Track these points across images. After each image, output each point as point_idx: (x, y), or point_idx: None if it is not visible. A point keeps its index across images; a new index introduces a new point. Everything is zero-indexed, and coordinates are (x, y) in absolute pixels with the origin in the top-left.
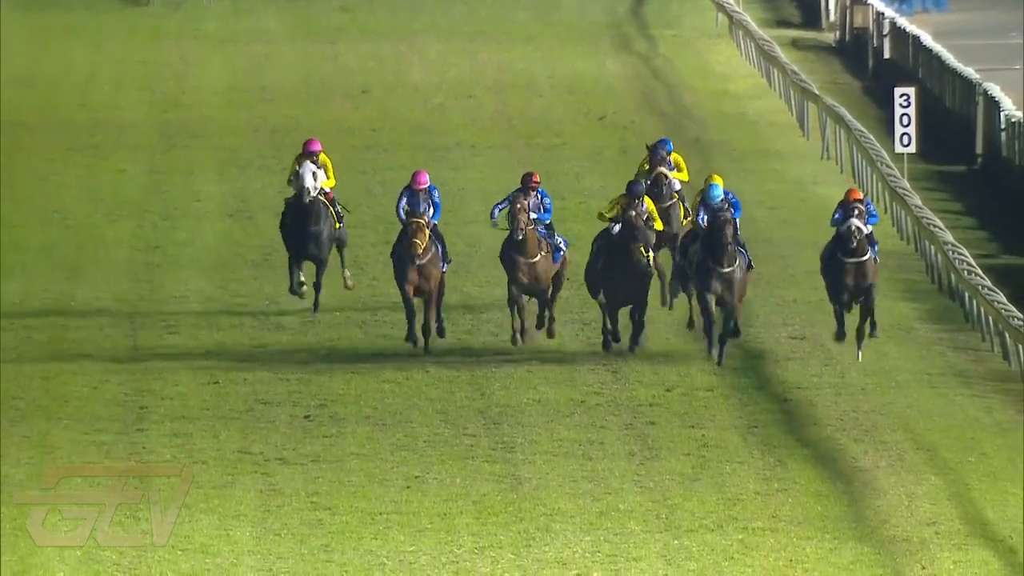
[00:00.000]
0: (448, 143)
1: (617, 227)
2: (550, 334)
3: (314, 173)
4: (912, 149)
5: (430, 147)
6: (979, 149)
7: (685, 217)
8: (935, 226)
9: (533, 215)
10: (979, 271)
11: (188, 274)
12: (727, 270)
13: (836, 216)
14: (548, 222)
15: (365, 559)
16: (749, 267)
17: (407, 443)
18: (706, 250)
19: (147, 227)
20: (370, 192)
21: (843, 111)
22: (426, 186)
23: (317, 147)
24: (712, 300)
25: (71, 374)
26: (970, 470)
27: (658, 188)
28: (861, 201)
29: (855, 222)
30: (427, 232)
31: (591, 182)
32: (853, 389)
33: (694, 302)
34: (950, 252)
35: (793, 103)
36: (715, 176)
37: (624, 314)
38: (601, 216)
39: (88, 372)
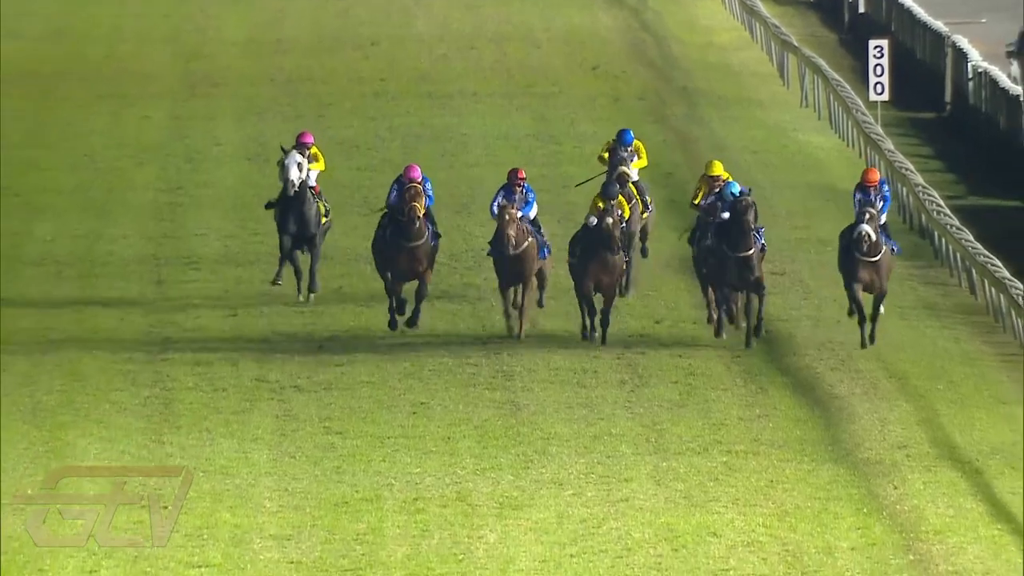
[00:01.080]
0: (451, 91)
1: (594, 220)
2: (540, 305)
3: (299, 164)
4: (885, 97)
5: (435, 95)
6: (948, 97)
7: (644, 211)
8: (906, 169)
9: (518, 213)
10: (947, 211)
11: (209, 214)
12: (745, 254)
13: (856, 199)
14: (534, 218)
15: (374, 480)
16: (762, 250)
17: (413, 371)
18: (724, 236)
19: (171, 170)
20: (379, 136)
21: (820, 62)
22: (419, 180)
23: (309, 139)
24: (735, 285)
25: (100, 307)
26: (939, 397)
27: (619, 187)
28: (876, 186)
29: (865, 228)
30: (424, 199)
31: (585, 128)
32: (829, 322)
33: (711, 295)
34: (920, 193)
35: (774, 54)
36: (716, 163)
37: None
38: (600, 157)
39: (116, 305)
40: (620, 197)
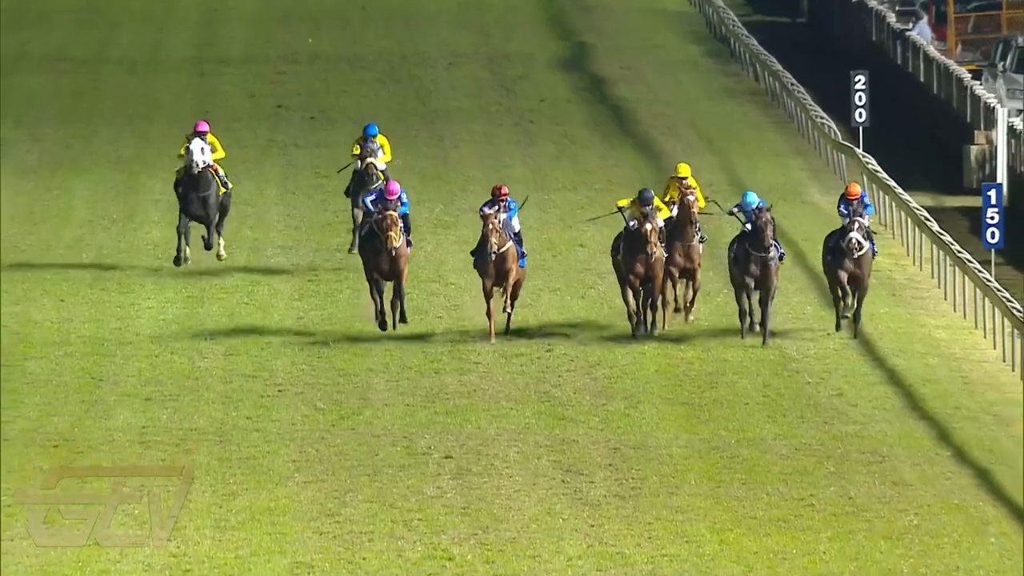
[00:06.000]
0: None
1: (634, 223)
2: (509, 312)
3: (202, 148)
4: None
5: None
6: None
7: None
8: None
9: (502, 218)
10: (739, 24)
11: (237, 26)
12: (763, 255)
13: (841, 208)
14: (518, 231)
15: (350, 209)
16: (781, 258)
17: (385, 128)
18: (747, 243)
19: None
20: None
21: None
22: (396, 196)
23: (205, 128)
24: (752, 283)
25: (160, 89)
26: (733, 151)
27: (368, 176)
28: (858, 198)
29: (855, 236)
30: (399, 226)
31: None
32: (662, 103)
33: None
34: (721, 12)
35: None
36: (682, 166)
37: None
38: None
39: (171, 89)
40: (656, 199)
